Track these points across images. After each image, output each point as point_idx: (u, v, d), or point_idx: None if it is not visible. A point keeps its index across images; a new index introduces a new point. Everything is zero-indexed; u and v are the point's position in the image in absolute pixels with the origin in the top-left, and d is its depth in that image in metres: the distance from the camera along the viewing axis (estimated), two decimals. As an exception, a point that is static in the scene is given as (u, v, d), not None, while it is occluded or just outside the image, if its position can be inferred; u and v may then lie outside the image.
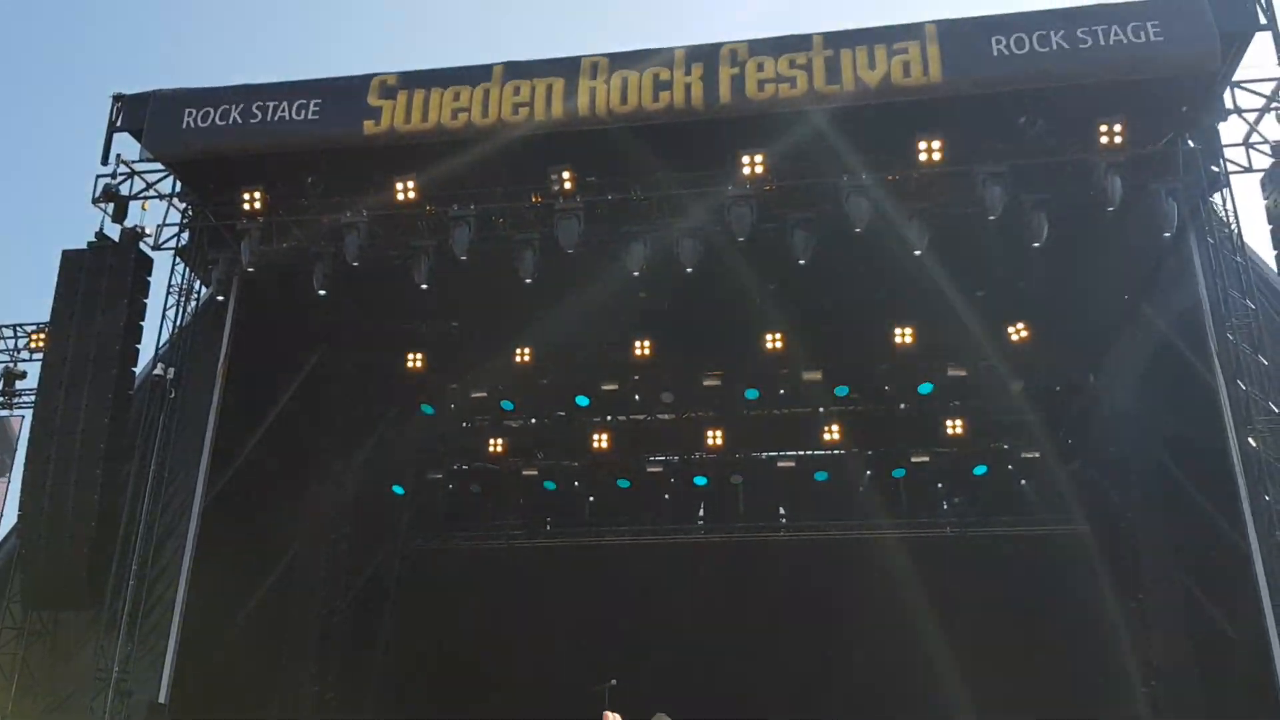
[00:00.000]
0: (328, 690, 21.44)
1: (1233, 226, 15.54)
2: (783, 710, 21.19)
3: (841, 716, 21.02)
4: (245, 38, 58.37)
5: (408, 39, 57.04)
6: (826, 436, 22.73)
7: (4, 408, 20.91)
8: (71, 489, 16.29)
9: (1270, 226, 15.39)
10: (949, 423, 22.30)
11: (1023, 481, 22.92)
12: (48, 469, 16.48)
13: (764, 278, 19.01)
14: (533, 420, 24.08)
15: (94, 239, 17.55)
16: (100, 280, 17.16)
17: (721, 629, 22.29)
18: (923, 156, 15.86)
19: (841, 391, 22.57)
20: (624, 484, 23.74)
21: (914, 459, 22.70)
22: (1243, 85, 15.54)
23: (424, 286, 17.31)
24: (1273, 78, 15.34)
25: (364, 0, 58.84)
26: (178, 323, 17.67)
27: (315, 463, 21.79)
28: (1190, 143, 15.82)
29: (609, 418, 23.43)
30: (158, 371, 17.40)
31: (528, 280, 17.06)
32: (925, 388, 22.15)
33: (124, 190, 17.56)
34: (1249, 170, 15.69)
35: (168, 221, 17.89)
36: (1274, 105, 15.54)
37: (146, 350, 17.53)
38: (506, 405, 23.59)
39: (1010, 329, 20.42)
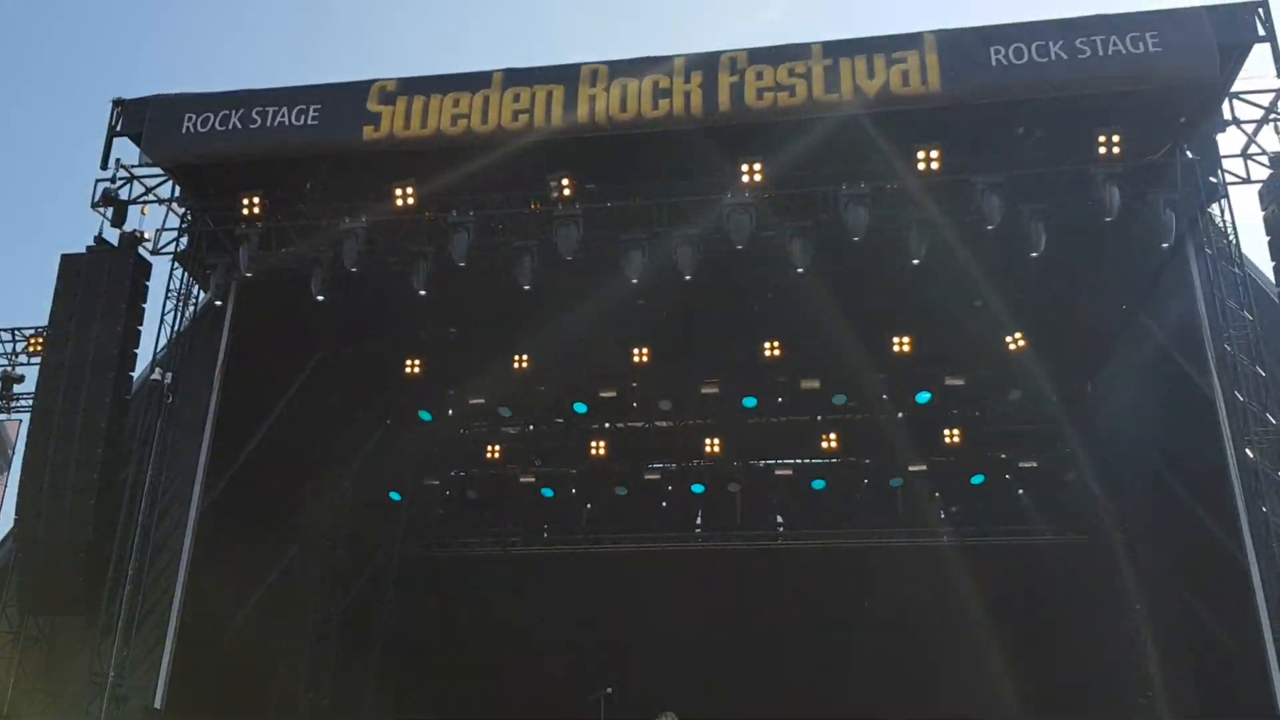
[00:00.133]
0: (323, 696, 21.43)
1: (1231, 238, 15.55)
2: (780, 718, 21.16)
3: (839, 725, 21.01)
4: (245, 43, 58.45)
5: (407, 45, 57.15)
6: (824, 445, 22.73)
7: (2, 411, 20.91)
8: (69, 493, 16.29)
9: (1268, 237, 15.39)
10: (947, 432, 22.31)
11: (1020, 491, 22.92)
12: (45, 473, 16.47)
13: (762, 286, 19.05)
14: (530, 427, 24.08)
15: (93, 243, 17.59)
16: (99, 285, 17.17)
17: (718, 637, 22.29)
18: (921, 166, 15.88)
19: (839, 400, 22.58)
20: (622, 491, 23.69)
21: (911, 468, 22.67)
22: (1241, 96, 15.59)
23: (422, 293, 17.31)
24: (1271, 89, 15.40)
25: (363, 6, 58.89)
26: (176, 328, 17.66)
27: (312, 469, 21.78)
28: (1188, 154, 15.84)
29: (607, 425, 23.42)
30: (155, 376, 17.40)
31: (526, 287, 17.08)
32: (923, 396, 22.15)
33: (123, 195, 17.58)
34: (1247, 181, 15.72)
35: (167, 226, 17.94)
36: (1272, 116, 15.58)
37: (144, 355, 17.58)
38: (504, 412, 23.58)
39: (1008, 338, 20.43)
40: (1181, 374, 16.81)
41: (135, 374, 17.54)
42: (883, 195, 16.31)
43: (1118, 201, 15.35)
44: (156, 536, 16.76)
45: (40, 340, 19.32)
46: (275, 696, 20.29)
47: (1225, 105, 15.63)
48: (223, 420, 17.72)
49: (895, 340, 20.77)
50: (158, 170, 17.59)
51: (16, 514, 16.81)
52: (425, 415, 23.49)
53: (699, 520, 24.17)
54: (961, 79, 15.18)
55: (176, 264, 17.87)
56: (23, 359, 20.99)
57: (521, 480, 23.83)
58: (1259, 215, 15.56)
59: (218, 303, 17.87)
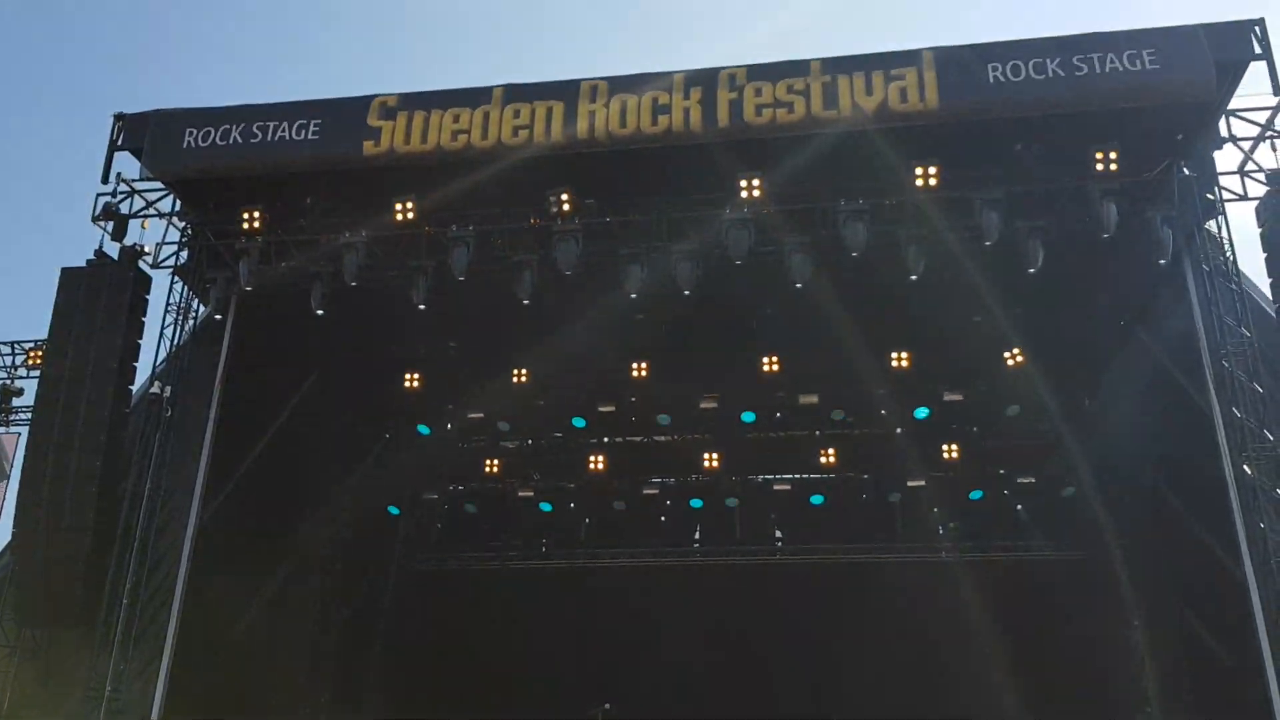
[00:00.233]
0: (321, 711, 21.36)
1: (1228, 254, 15.59)
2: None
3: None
4: (246, 59, 58.60)
5: (408, 60, 57.30)
6: (823, 460, 22.73)
7: (1, 425, 20.89)
8: (67, 506, 16.28)
9: (1265, 254, 15.43)
10: (945, 447, 22.32)
11: (1019, 506, 22.91)
12: (43, 486, 16.47)
13: (761, 301, 19.08)
14: (529, 441, 24.11)
15: (93, 257, 17.62)
16: (99, 298, 17.22)
17: (716, 651, 22.26)
18: (920, 182, 15.93)
19: (838, 415, 22.59)
20: (620, 505, 23.68)
21: (910, 483, 22.66)
22: (1238, 114, 15.67)
23: (422, 307, 17.34)
24: (1267, 106, 15.47)
25: (365, 22, 59.06)
26: (175, 341, 17.69)
27: (311, 482, 21.73)
28: (1185, 170, 15.89)
29: (605, 439, 23.47)
30: (155, 390, 17.41)
31: (525, 301, 17.11)
32: (921, 412, 22.18)
33: (124, 209, 17.65)
34: (1244, 198, 15.76)
35: (167, 240, 18.01)
36: (1269, 134, 15.65)
37: (144, 368, 17.62)
38: (503, 426, 23.58)
39: (1006, 354, 20.44)
40: (1179, 390, 16.82)
41: (135, 387, 17.56)
42: (881, 211, 16.37)
43: (1115, 218, 15.41)
44: (155, 550, 16.76)
45: (40, 353, 19.34)
46: (273, 710, 20.21)
47: (1222, 122, 15.71)
48: (222, 433, 17.71)
49: (894, 356, 20.80)
50: (159, 184, 17.67)
51: (14, 526, 16.80)
52: (424, 429, 23.51)
53: (697, 535, 24.15)
54: (959, 96, 15.26)
55: (176, 278, 17.91)
56: (22, 372, 21.00)
57: (520, 494, 23.85)
58: (1256, 232, 15.61)
59: (217, 316, 17.90)
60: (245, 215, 17.27)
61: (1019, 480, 22.55)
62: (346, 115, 16.60)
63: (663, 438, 23.50)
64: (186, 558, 16.85)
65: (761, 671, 22.04)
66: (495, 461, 23.77)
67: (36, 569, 16.37)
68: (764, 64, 15.88)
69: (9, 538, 17.41)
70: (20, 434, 19.61)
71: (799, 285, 16.59)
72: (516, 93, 16.31)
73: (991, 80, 15.19)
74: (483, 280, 17.20)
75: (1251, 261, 15.82)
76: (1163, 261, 15.85)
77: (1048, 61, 15.10)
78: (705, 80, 15.85)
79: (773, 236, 16.67)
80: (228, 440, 17.93)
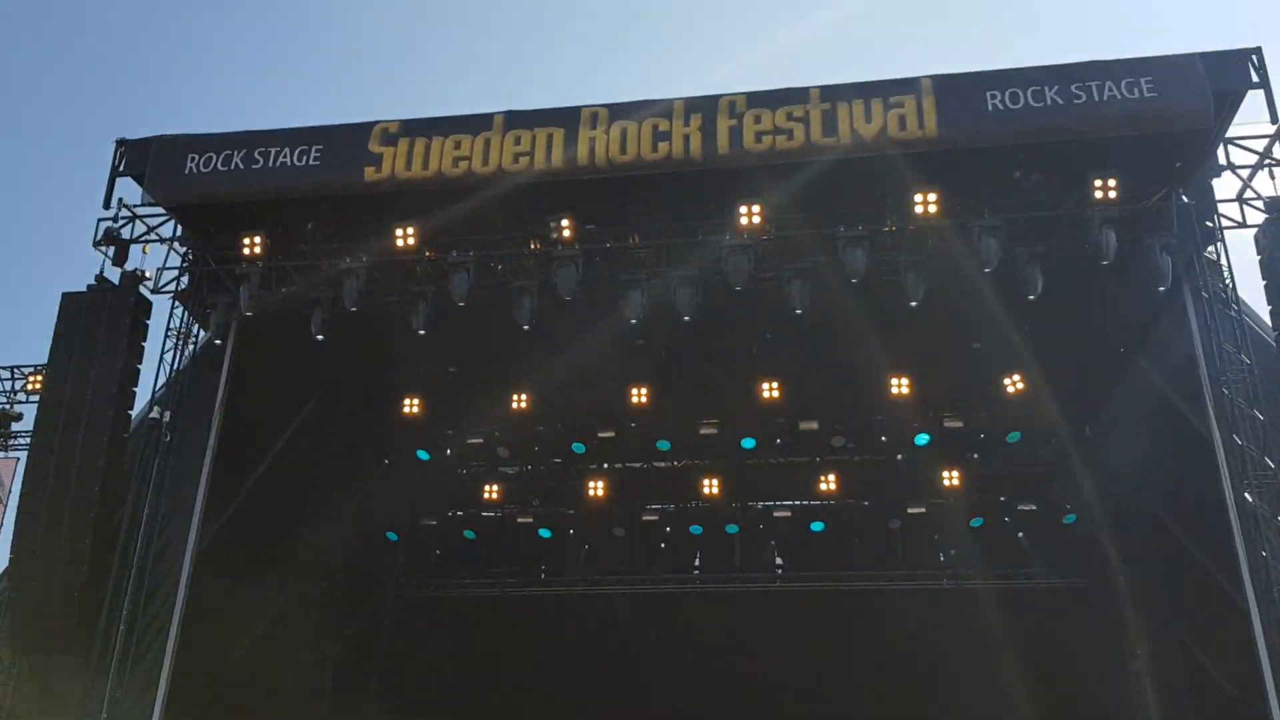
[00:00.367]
0: (318, 738, 21.25)
1: (1227, 281, 15.62)
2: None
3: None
4: (248, 85, 58.90)
5: (408, 87, 57.59)
6: (823, 486, 22.59)
7: (-1, 449, 20.89)
8: (65, 532, 16.21)
9: (1265, 281, 15.44)
10: (945, 474, 22.21)
11: (1020, 534, 22.82)
12: (41, 512, 16.41)
13: (761, 327, 19.10)
14: (529, 467, 24.00)
15: (94, 281, 17.64)
16: (99, 323, 17.19)
17: (716, 679, 22.13)
18: (919, 209, 15.97)
19: (838, 442, 22.52)
20: (620, 532, 23.58)
21: (910, 510, 22.53)
22: (1236, 142, 15.70)
23: (422, 332, 17.36)
24: (1265, 134, 15.50)
25: (365, 50, 59.41)
26: (175, 366, 17.69)
27: (310, 508, 21.70)
28: (1184, 198, 15.91)
29: (605, 465, 23.35)
30: (154, 414, 17.40)
31: (525, 327, 17.11)
32: (922, 439, 22.09)
33: (125, 234, 17.64)
34: (1243, 225, 15.77)
35: (168, 265, 18.00)
36: (1267, 161, 15.66)
37: (144, 393, 17.59)
38: (502, 452, 23.53)
39: (1006, 380, 20.43)
40: (1180, 417, 16.81)
41: (134, 412, 17.53)
42: (881, 238, 16.40)
43: (1114, 245, 15.43)
44: (153, 576, 16.70)
45: (39, 378, 19.33)
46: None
47: (1220, 150, 15.73)
48: (221, 459, 17.68)
49: (894, 382, 20.73)
50: (160, 209, 17.69)
51: (11, 552, 16.74)
52: (423, 455, 23.44)
53: (697, 561, 24.01)
54: (958, 123, 15.32)
55: (177, 303, 17.93)
56: (21, 397, 21.00)
57: (519, 520, 23.71)
58: (1255, 259, 15.63)
59: (217, 341, 17.91)
60: (246, 240, 17.27)
61: (1020, 507, 22.43)
62: (348, 141, 16.65)
63: (662, 464, 23.40)
64: (185, 583, 16.79)
65: (761, 699, 21.92)
66: (494, 487, 23.67)
67: (33, 595, 16.28)
68: (764, 91, 15.94)
69: (6, 563, 17.41)
70: (19, 459, 19.59)
71: (799, 311, 16.59)
72: (517, 119, 16.37)
73: (990, 108, 15.24)
74: (483, 306, 17.22)
75: (1251, 289, 15.89)
76: (1162, 288, 15.84)
77: (1046, 89, 15.16)
78: (705, 107, 15.91)
79: (772, 263, 16.70)
80: (227, 465, 17.91)
